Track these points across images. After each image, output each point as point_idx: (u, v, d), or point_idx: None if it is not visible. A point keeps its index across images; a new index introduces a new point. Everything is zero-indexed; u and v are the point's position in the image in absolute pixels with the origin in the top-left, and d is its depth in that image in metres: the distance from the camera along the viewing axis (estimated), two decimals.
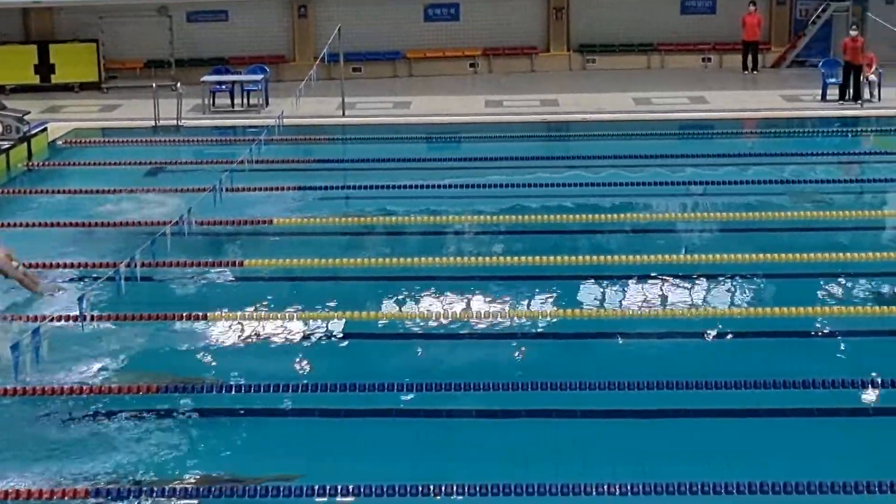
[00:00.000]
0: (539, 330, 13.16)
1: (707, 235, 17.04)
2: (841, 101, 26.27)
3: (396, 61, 31.53)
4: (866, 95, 26.03)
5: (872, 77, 26.11)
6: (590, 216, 17.30)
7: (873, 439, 10.56)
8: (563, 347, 12.89)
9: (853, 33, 26.84)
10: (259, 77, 27.17)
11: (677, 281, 14.55)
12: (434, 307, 13.86)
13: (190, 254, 15.20)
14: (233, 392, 11.49)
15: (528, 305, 13.95)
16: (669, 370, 11.54)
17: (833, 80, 26.85)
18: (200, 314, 13.15)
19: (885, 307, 13.40)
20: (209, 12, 31.00)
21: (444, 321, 13.31)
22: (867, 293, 14.15)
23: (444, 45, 31.66)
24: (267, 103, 26.81)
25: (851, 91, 26.23)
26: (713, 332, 12.98)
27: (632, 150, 21.92)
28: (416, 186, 19.11)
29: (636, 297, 14.16)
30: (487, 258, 15.47)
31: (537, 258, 14.93)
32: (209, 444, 10.57)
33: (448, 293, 14.30)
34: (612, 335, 12.98)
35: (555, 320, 13.39)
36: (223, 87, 27.17)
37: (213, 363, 12.36)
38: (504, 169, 20.54)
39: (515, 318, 13.46)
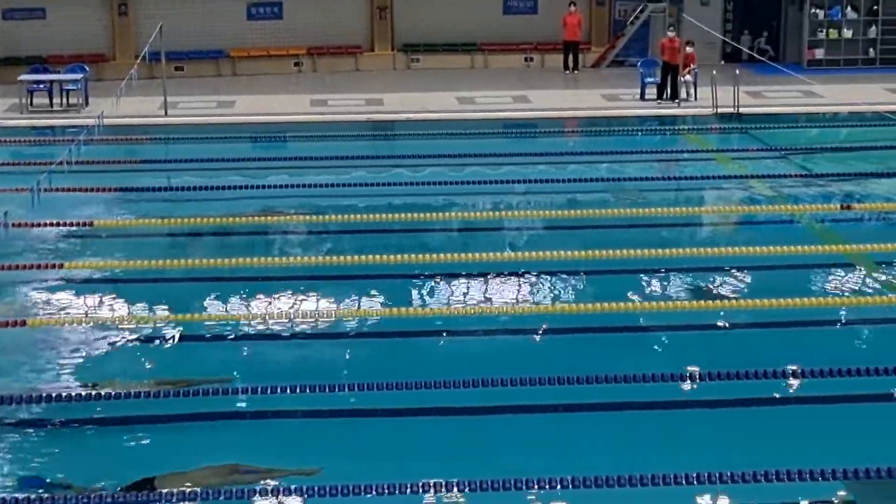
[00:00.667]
0: (367, 329, 13.20)
1: (531, 233, 17.30)
2: (659, 101, 26.90)
3: (220, 60, 31.20)
4: (683, 95, 26.71)
5: (689, 77, 26.81)
6: (416, 215, 17.38)
7: (693, 432, 10.89)
8: (390, 346, 12.96)
9: (670, 34, 27.52)
10: (78, 76, 26.60)
11: (503, 279, 14.75)
12: (261, 307, 13.81)
13: (7, 257, 14.82)
14: (52, 401, 11.22)
15: (356, 304, 13.97)
16: (495, 367, 11.69)
17: (651, 79, 27.48)
18: (20, 320, 12.84)
19: (704, 301, 13.75)
20: (26, 10, 30.22)
21: (272, 321, 13.26)
22: (687, 288, 14.52)
23: (268, 44, 31.43)
24: (87, 103, 26.26)
25: (669, 90, 26.88)
26: (538, 329, 13.19)
27: (457, 149, 22.09)
28: (241, 187, 18.99)
29: (463, 295, 14.30)
30: (314, 258, 15.44)
31: (364, 257, 14.96)
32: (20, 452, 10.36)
33: (275, 293, 14.25)
34: (438, 333, 13.09)
35: (382, 319, 13.45)
36: (41, 86, 26.52)
37: (34, 372, 12.06)
38: (330, 168, 20.53)
39: (343, 317, 13.49)
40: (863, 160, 21.66)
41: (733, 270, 15.03)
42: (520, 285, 14.72)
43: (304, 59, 31.50)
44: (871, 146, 22.71)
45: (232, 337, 12.96)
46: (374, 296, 14.18)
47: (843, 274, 15.00)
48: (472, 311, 13.74)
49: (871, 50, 32.18)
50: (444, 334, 13.06)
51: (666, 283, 14.72)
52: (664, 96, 26.89)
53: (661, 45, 27.63)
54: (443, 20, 32.10)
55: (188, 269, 15.02)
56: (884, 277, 14.93)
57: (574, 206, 17.96)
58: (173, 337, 12.88)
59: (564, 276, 14.90)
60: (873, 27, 32.07)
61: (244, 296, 14.18)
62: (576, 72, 31.12)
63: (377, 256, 14.90)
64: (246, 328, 13.16)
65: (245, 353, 12.70)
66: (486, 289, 14.52)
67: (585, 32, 31.99)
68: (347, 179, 19.61)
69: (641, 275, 14.87)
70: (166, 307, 13.68)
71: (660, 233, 16.96)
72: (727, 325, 13.22)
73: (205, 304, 13.86)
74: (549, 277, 14.86)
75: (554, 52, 31.82)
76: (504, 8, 32.53)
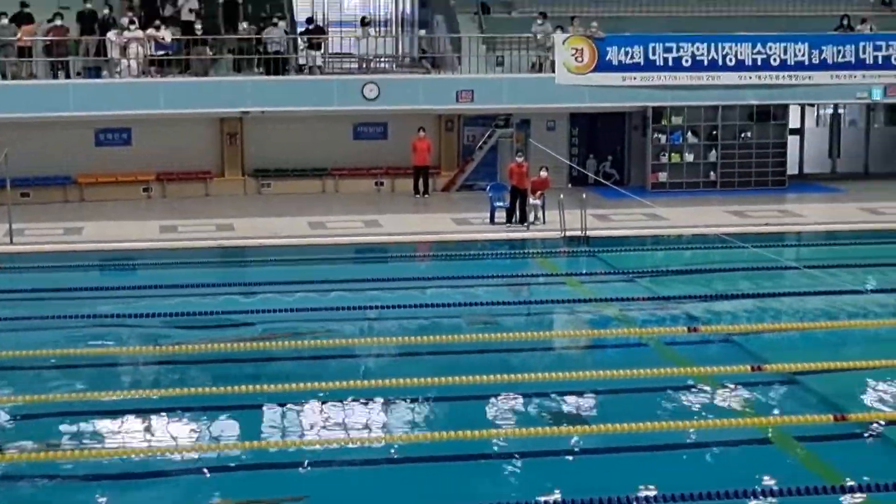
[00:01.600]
0: (218, 462, 12.95)
1: (384, 359, 17.25)
2: (508, 225, 27.25)
3: (67, 186, 30.76)
4: (531, 218, 27.12)
5: (537, 201, 27.24)
6: (267, 344, 17.22)
7: None
8: (246, 478, 12.72)
9: (518, 159, 28.01)
10: None
11: (354, 406, 14.65)
12: (96, 442, 13.46)
13: None
14: None
15: (200, 437, 13.71)
16: (350, 497, 11.55)
17: (500, 203, 27.87)
18: None
19: (556, 427, 13.81)
20: None
21: (108, 457, 12.93)
22: (539, 412, 14.57)
23: (116, 170, 31.07)
24: None
25: (518, 214, 27.28)
26: (392, 457, 13.09)
27: (309, 274, 22.04)
28: (87, 316, 18.62)
29: (318, 423, 14.15)
30: (158, 390, 15.17)
31: (212, 388, 14.75)
32: None
33: (113, 426, 13.92)
34: (295, 465, 12.90)
35: (233, 451, 13.21)
36: None
37: None
38: (179, 296, 20.27)
39: (184, 452, 13.23)
40: (707, 282, 22.15)
41: (584, 394, 15.16)
42: (370, 413, 14.63)
43: (154, 184, 31.23)
44: (715, 268, 23.27)
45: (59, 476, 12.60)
46: (225, 426, 13.95)
47: (690, 396, 15.24)
48: (323, 440, 13.58)
49: (712, 173, 33.17)
50: (304, 465, 12.87)
51: (518, 409, 14.76)
52: (513, 220, 27.26)
53: (509, 170, 28.08)
54: (293, 145, 32.22)
55: (22, 405, 14.62)
56: (730, 398, 15.19)
57: (426, 332, 17.97)
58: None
59: (416, 402, 14.86)
60: (713, 151, 33.09)
61: (80, 430, 13.82)
62: (426, 196, 31.43)
63: (226, 388, 14.70)
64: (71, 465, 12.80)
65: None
66: (337, 416, 14.40)
67: (435, 157, 32.39)
68: (196, 307, 19.37)
69: (493, 400, 14.91)
70: None
71: (511, 358, 17.07)
72: (579, 449, 13.28)
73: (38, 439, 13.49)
74: (401, 404, 14.80)
75: (404, 177, 32.12)
76: (354, 133, 32.78)
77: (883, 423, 13.92)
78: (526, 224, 26.96)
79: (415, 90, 30.82)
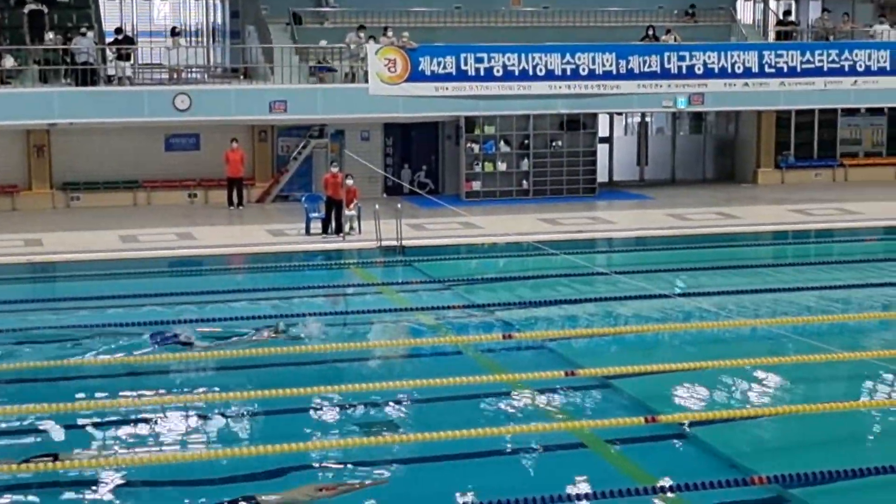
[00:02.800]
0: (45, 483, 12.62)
1: (199, 374, 17.02)
2: (324, 235, 27.19)
3: None
4: (347, 229, 27.11)
5: (352, 211, 27.24)
6: (77, 360, 16.83)
7: None
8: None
9: (333, 169, 27.98)
10: None
11: (167, 421, 14.43)
12: None
13: None
14: None
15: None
16: None
17: (316, 214, 27.79)
18: None
19: (373, 437, 13.81)
20: None
21: None
22: (356, 423, 14.55)
23: None
24: None
25: (334, 225, 27.24)
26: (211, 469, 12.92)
27: (120, 289, 21.62)
28: None
29: (130, 440, 13.90)
30: None
31: (23, 407, 14.36)
32: None
33: None
34: (136, 482, 12.64)
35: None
36: None
37: None
38: None
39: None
40: (521, 289, 22.47)
41: (401, 403, 15.20)
42: (187, 425, 14.43)
43: None
44: (529, 275, 23.61)
45: None
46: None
47: (506, 402, 15.41)
48: (147, 459, 13.34)
49: (525, 181, 33.67)
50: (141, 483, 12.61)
51: (335, 419, 14.73)
52: (329, 231, 27.21)
53: (324, 181, 28.02)
54: (103, 157, 31.61)
55: None
56: (544, 404, 15.40)
57: (237, 345, 17.77)
58: None
59: (233, 416, 14.71)
60: (525, 160, 33.59)
61: None
62: (240, 207, 31.15)
63: (33, 406, 14.34)
64: None
65: None
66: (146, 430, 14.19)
67: (249, 168, 32.14)
68: (5, 325, 18.83)
69: (311, 412, 14.86)
70: None
71: (328, 369, 17.02)
72: (396, 458, 13.30)
73: None
74: (216, 418, 14.63)
75: (218, 189, 31.79)
76: (166, 145, 32.31)
77: (692, 423, 14.29)
78: (342, 235, 26.94)
79: (227, 101, 30.52)
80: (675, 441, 13.89)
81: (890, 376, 16.48)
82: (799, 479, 12.09)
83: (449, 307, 20.28)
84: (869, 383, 16.34)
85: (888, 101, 35.58)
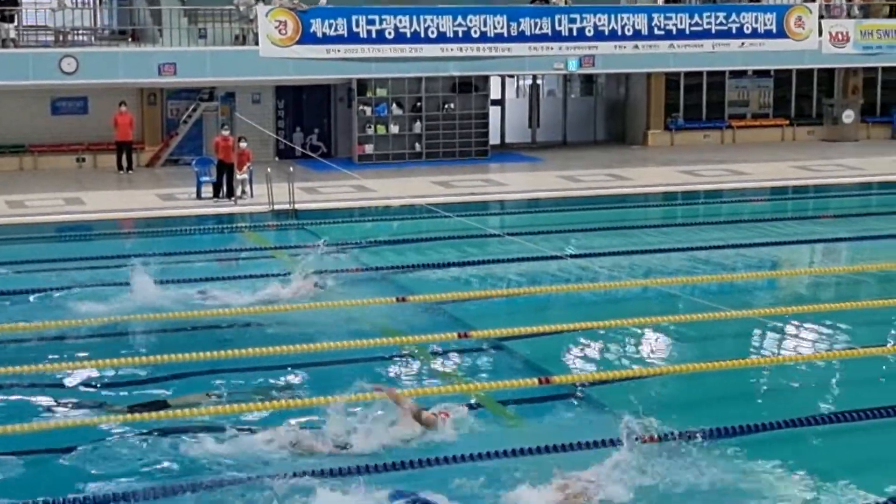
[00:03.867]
0: None
1: (95, 340, 16.78)
2: (216, 199, 26.95)
3: None
4: (239, 192, 26.89)
5: (244, 175, 27.02)
6: None
7: None
8: None
9: (224, 133, 27.71)
10: None
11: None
12: None
13: None
14: None
15: None
16: None
17: (207, 178, 27.51)
18: None
19: (273, 402, 13.75)
20: None
21: None
22: (252, 389, 14.47)
23: None
24: None
25: (225, 189, 27.00)
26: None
27: (7, 255, 21.21)
28: None
29: None
30: None
31: None
32: None
33: None
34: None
35: None
36: None
37: None
38: None
39: None
40: (415, 252, 22.50)
41: (296, 368, 15.15)
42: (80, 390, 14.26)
43: None
44: (423, 238, 23.64)
45: None
46: None
47: (400, 365, 15.44)
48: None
49: (417, 144, 33.67)
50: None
51: (230, 383, 14.63)
52: (220, 195, 26.97)
53: (214, 144, 27.75)
54: None
55: None
56: (439, 366, 15.47)
57: (132, 311, 17.56)
58: None
59: (127, 385, 14.56)
60: (418, 122, 33.58)
61: None
62: (130, 172, 30.76)
63: None
64: None
65: None
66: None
67: (138, 132, 31.71)
68: None
69: (209, 377, 14.77)
70: None
71: (223, 334, 16.89)
72: (294, 422, 13.25)
73: None
74: (108, 386, 14.48)
75: (107, 153, 31.36)
76: (52, 108, 31.75)
77: (586, 384, 14.44)
78: (234, 198, 26.72)
79: (114, 64, 30.06)
80: (569, 401, 14.01)
81: (777, 334, 16.82)
82: (691, 435, 12.28)
83: (343, 270, 20.22)
84: (757, 341, 16.66)
85: (775, 63, 36.16)
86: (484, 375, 15.22)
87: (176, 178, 29.68)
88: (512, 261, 20.96)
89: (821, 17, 35.75)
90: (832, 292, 19.93)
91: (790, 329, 17.21)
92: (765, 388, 14.78)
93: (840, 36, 35.72)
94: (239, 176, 26.96)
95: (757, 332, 16.93)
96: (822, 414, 13.15)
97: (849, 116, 37.79)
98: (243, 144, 27.26)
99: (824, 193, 29.20)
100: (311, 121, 34.41)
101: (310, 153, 31.25)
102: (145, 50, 30.91)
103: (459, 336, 16.27)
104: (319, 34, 31.20)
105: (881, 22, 36.61)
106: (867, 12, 37.36)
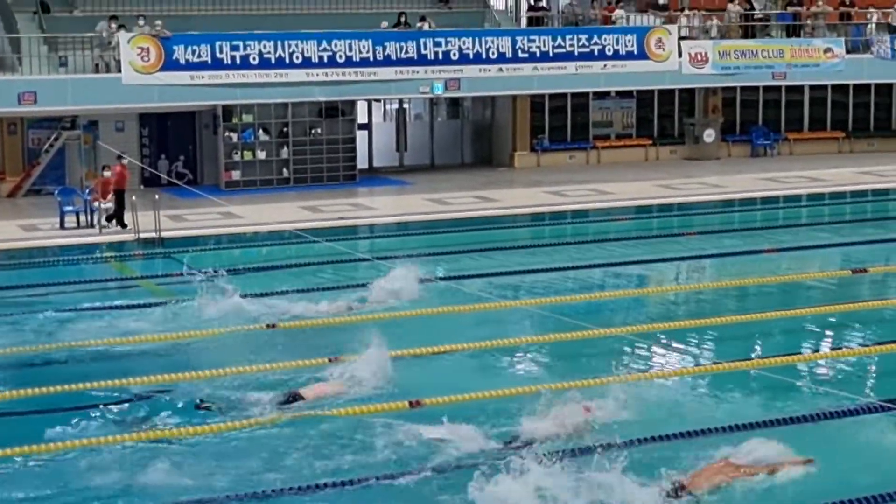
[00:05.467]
0: None
1: None
2: (122, 227, 26.36)
3: None
4: (104, 221, 26.47)
5: (109, 204, 26.57)
6: None
7: None
8: None
9: (123, 161, 27.07)
10: None
11: None
12: None
13: None
14: None
15: None
16: None
17: (70, 207, 27.04)
18: None
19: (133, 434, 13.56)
20: None
21: None
22: (112, 418, 14.25)
23: None
24: None
25: (116, 218, 26.48)
26: None
27: None
28: None
29: None
30: None
31: None
32: None
33: None
34: None
35: None
36: None
37: None
38: None
39: None
40: (284, 278, 22.31)
41: (170, 395, 14.95)
42: None
43: None
44: (292, 264, 23.50)
45: None
46: None
47: (268, 391, 15.28)
48: None
49: (285, 170, 33.55)
50: None
51: (104, 416, 14.38)
52: (124, 223, 26.29)
53: (117, 173, 27.03)
54: None
55: None
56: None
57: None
58: None
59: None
60: (285, 148, 33.46)
61: None
62: None
63: None
64: None
65: None
66: None
67: None
68: None
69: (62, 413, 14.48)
70: None
71: (82, 366, 16.58)
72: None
73: None
74: None
75: None
76: None
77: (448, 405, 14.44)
78: (98, 227, 26.30)
79: None
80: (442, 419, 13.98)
81: (644, 351, 17.05)
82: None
83: (210, 298, 19.99)
84: (626, 358, 16.84)
85: (637, 84, 36.77)
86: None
87: (38, 209, 29.11)
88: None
89: (680, 38, 36.48)
90: (697, 308, 20.30)
91: (657, 346, 17.44)
92: (637, 404, 14.90)
93: (699, 57, 36.47)
94: (103, 205, 26.54)
95: (623, 349, 17.12)
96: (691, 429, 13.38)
97: (710, 135, 38.57)
98: (107, 173, 26.86)
99: (687, 211, 29.74)
100: (177, 148, 34.04)
101: (175, 181, 30.92)
102: (4, 78, 30.30)
103: (329, 361, 16.18)
104: (183, 60, 30.90)
105: (738, 42, 37.44)
106: (724, 34, 38.20)
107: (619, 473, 11.67)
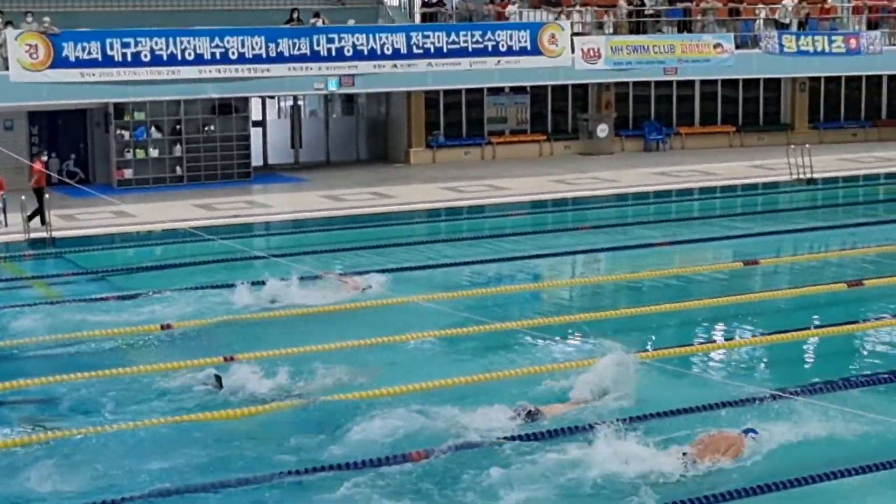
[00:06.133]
0: None
1: None
2: (44, 225, 25.80)
3: None
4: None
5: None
6: None
7: None
8: None
9: (43, 158, 26.66)
10: None
11: None
12: None
13: None
14: None
15: None
16: None
17: None
18: None
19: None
20: None
21: None
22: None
23: None
24: None
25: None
26: None
27: None
28: None
29: None
30: None
31: None
32: None
33: None
34: None
35: None
36: None
37: None
38: None
39: None
40: (179, 276, 22.00)
41: (62, 397, 14.72)
42: None
43: None
44: (187, 262, 23.24)
45: None
46: None
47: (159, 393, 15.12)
48: None
49: (179, 168, 33.20)
50: None
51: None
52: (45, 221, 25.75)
53: (36, 171, 26.62)
54: None
55: None
56: (203, 391, 15.20)
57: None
58: None
59: None
60: (178, 146, 33.12)
61: None
62: None
63: None
64: None
65: None
66: None
67: None
68: None
69: None
70: None
71: None
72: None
73: None
74: None
75: None
76: None
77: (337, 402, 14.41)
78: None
79: None
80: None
81: (540, 343, 17.11)
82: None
83: (103, 298, 19.75)
84: (518, 352, 16.86)
85: (530, 80, 36.98)
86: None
87: None
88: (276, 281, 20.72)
89: (573, 34, 36.76)
90: (592, 301, 20.48)
91: (554, 339, 17.51)
92: (532, 396, 14.98)
93: (592, 52, 36.78)
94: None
95: (518, 343, 17.18)
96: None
97: (603, 130, 38.94)
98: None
99: (582, 206, 29.98)
100: (68, 147, 33.53)
101: (66, 180, 30.41)
102: None
103: (224, 360, 16.04)
104: (72, 58, 30.43)
105: (630, 38, 37.84)
106: (616, 29, 38.57)
107: None
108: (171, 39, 31.49)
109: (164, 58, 31.42)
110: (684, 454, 12.12)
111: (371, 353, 16.64)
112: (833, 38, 39.59)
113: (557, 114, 39.59)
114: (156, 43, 31.32)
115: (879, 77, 42.17)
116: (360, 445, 12.87)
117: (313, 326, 18.27)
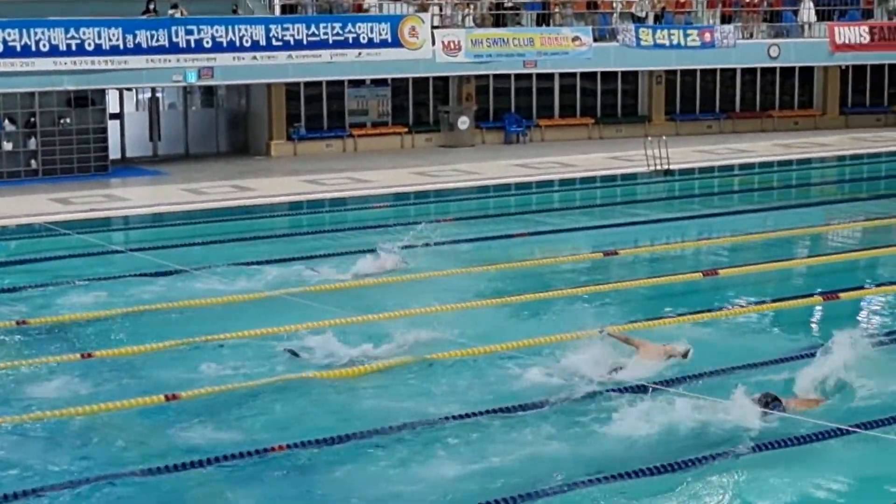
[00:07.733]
0: None
1: None
2: None
3: None
4: None
5: None
6: None
7: None
8: None
9: None
10: None
11: None
12: None
13: None
14: None
15: None
16: None
17: None
18: None
19: None
20: None
21: None
22: None
23: None
24: None
25: None
26: None
27: None
28: None
29: None
30: None
31: None
32: None
33: None
34: None
35: None
36: None
37: None
38: None
39: None
40: (35, 272, 21.59)
41: None
42: None
43: None
44: (42, 258, 22.79)
45: None
46: None
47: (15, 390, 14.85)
48: None
49: (33, 161, 32.55)
50: None
51: None
52: None
53: None
54: None
55: None
56: (61, 388, 14.95)
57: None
58: None
59: None
60: (33, 139, 32.45)
61: None
62: None
63: None
64: None
65: None
66: None
67: None
68: None
69: None
70: None
71: None
72: None
73: None
74: None
75: None
76: None
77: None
78: None
79: None
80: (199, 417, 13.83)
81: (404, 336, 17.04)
82: None
83: None
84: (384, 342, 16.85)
85: (391, 72, 37.02)
86: (109, 395, 14.75)
87: None
88: (138, 276, 20.47)
89: (433, 27, 36.87)
90: (455, 295, 20.56)
91: (425, 331, 17.44)
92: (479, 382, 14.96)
93: (452, 45, 36.95)
94: None
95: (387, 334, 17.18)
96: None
97: (464, 123, 39.14)
98: None
99: (444, 198, 30.11)
100: None
101: None
102: None
103: (82, 357, 15.78)
104: None
105: (490, 31, 38.10)
106: (478, 22, 38.81)
107: None
108: (24, 30, 30.85)
109: (18, 49, 30.79)
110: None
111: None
112: (688, 31, 40.36)
113: (419, 106, 39.70)
114: (8, 34, 30.67)
115: (733, 70, 43.13)
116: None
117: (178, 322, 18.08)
